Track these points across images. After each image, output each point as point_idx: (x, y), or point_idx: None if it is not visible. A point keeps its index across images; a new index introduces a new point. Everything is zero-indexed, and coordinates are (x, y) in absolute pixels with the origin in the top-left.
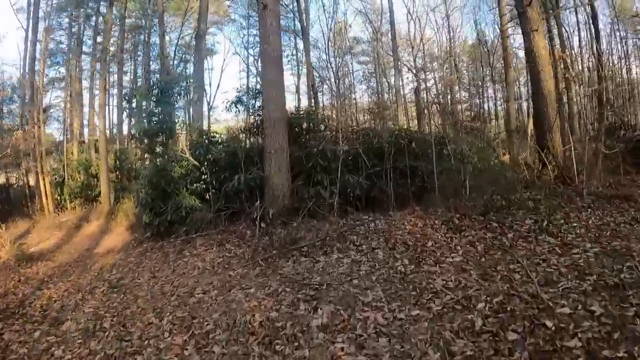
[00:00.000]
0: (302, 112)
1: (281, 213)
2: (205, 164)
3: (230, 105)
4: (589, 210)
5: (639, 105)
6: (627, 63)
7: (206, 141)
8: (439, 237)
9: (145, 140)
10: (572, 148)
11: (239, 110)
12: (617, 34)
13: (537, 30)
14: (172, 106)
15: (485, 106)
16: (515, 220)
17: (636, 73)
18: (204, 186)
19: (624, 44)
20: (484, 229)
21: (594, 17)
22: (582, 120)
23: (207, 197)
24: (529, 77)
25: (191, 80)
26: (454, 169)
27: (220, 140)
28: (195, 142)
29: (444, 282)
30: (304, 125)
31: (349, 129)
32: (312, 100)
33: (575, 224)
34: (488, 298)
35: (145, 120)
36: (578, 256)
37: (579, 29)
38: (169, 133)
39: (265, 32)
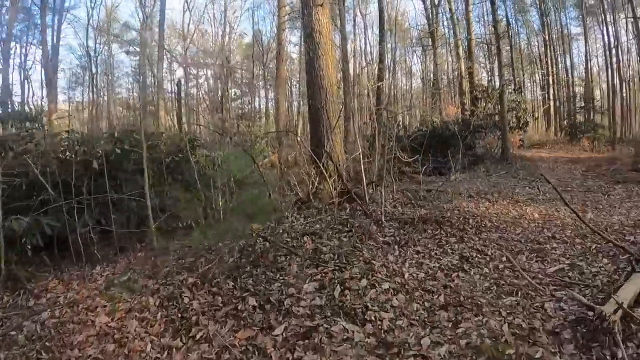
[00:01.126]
0: None
1: None
2: None
3: None
4: (397, 248)
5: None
6: (394, 70)
7: None
8: (152, 348)
9: None
10: (362, 155)
11: None
12: (388, 45)
13: (322, 5)
14: None
15: (257, 104)
16: (287, 286)
17: (400, 80)
18: None
19: (393, 53)
20: (234, 314)
21: (381, 17)
22: (356, 118)
23: None
24: (305, 66)
25: None
26: (197, 191)
27: None
28: None
29: None
30: None
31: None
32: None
33: (386, 285)
34: None
35: None
36: None
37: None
38: None
39: None
